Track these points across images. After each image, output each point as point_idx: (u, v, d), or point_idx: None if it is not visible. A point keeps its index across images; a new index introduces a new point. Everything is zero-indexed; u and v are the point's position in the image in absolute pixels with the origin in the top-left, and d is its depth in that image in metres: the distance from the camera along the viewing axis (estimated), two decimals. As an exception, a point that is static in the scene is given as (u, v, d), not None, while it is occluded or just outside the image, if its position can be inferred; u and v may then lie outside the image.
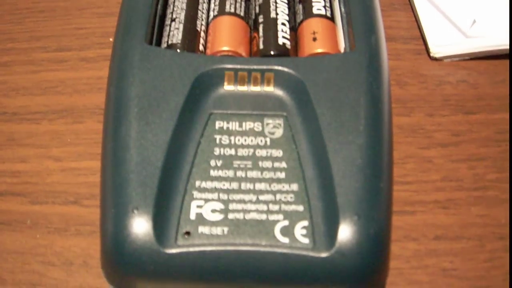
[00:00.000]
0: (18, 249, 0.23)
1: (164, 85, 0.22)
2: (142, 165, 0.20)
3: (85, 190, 0.25)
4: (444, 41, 0.30)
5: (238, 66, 0.23)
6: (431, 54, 0.30)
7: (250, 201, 0.20)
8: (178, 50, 0.24)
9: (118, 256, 0.19)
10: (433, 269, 0.23)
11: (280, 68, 0.23)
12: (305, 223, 0.20)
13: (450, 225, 0.24)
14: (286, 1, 0.26)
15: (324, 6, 0.26)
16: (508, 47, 0.29)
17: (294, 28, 0.26)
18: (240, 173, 0.21)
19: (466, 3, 0.31)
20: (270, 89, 0.23)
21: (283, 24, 0.25)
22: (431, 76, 0.29)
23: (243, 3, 0.26)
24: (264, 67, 0.23)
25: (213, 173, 0.21)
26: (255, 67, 0.23)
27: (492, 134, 0.27)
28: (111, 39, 0.30)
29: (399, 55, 0.30)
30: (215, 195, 0.21)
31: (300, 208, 0.20)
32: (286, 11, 0.26)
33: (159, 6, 0.26)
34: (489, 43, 0.29)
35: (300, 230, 0.20)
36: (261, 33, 0.25)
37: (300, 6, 0.26)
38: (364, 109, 0.22)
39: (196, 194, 0.21)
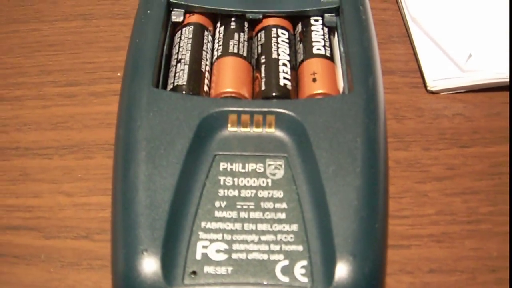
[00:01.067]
0: (33, 283, 0.25)
1: (170, 128, 0.24)
2: (151, 208, 0.22)
3: (96, 225, 0.27)
4: (440, 75, 0.31)
5: (241, 109, 0.25)
6: (428, 88, 0.31)
7: (253, 242, 0.22)
8: (184, 92, 0.26)
9: (129, 295, 0.21)
10: (427, 303, 0.24)
11: (281, 110, 0.25)
12: (304, 262, 0.22)
13: (444, 258, 0.25)
14: (287, 40, 0.28)
15: (324, 46, 0.28)
16: (504, 79, 0.31)
17: (295, 67, 0.28)
18: (243, 214, 0.23)
19: (462, 37, 0.32)
20: (271, 130, 0.25)
21: (284, 64, 0.27)
22: (428, 110, 0.31)
23: (245, 43, 0.28)
24: (266, 109, 0.25)
25: (217, 214, 0.23)
26: (257, 109, 0.25)
27: (486, 167, 0.28)
28: (119, 74, 0.32)
29: (397, 88, 0.32)
30: (219, 236, 0.22)
31: (300, 248, 0.22)
32: (287, 51, 0.28)
33: (165, 46, 0.28)
34: (484, 76, 0.31)
35: (299, 269, 0.22)
36: (263, 74, 0.27)
37: (301, 46, 0.28)
38: (360, 152, 0.23)
39: (201, 234, 0.22)
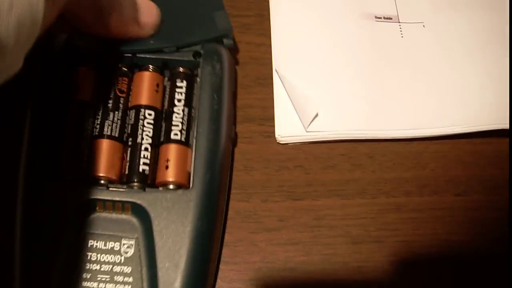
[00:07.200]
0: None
1: (52, 214, 0.35)
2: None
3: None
4: (288, 131, 0.41)
5: (107, 198, 0.36)
6: (277, 141, 0.41)
7: (106, 310, 0.35)
8: (65, 173, 0.36)
9: None
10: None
11: (134, 201, 0.36)
12: (139, 328, 0.35)
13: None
14: (153, 121, 0.38)
15: (181, 130, 0.38)
16: (342, 137, 0.41)
17: (158, 145, 0.38)
18: (101, 285, 0.35)
19: (313, 96, 0.41)
20: (128, 215, 0.36)
21: (145, 149, 0.37)
22: (274, 161, 0.41)
23: (119, 122, 0.38)
24: (124, 199, 0.36)
25: (84, 284, 0.35)
26: (117, 199, 0.36)
27: (310, 220, 0.40)
28: None
29: (252, 137, 0.42)
30: (83, 306, 0.35)
31: (138, 317, 0.35)
32: (151, 133, 0.38)
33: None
34: (323, 136, 0.41)
35: (134, 334, 0.35)
36: (128, 157, 0.37)
37: (164, 125, 0.38)
38: (188, 245, 0.35)
39: (70, 304, 0.35)
